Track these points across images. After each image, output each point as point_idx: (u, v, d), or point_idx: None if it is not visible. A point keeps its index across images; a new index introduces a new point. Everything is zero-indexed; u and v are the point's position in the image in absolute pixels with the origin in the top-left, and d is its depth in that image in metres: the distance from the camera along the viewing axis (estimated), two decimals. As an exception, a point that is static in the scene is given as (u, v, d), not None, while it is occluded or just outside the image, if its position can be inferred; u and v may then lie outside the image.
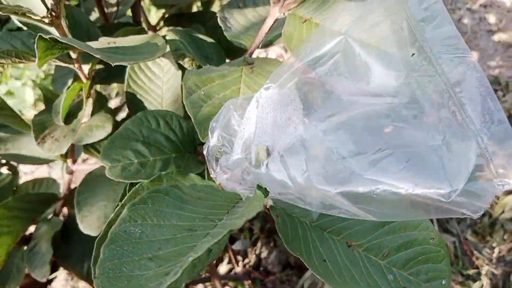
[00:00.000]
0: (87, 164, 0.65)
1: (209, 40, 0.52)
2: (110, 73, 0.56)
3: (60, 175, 0.86)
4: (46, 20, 0.39)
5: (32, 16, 0.39)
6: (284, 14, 0.44)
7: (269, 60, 0.46)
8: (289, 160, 0.32)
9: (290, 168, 0.32)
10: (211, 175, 0.42)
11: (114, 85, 1.53)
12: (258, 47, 0.47)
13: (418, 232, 0.39)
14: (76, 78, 0.62)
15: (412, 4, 0.31)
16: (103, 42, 0.40)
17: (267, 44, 0.49)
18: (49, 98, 0.55)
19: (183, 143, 0.47)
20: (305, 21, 0.42)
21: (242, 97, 0.42)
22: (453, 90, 0.27)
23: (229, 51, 0.56)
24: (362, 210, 0.31)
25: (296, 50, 0.37)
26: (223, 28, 0.50)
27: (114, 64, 0.35)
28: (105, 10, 0.64)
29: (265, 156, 0.34)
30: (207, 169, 0.50)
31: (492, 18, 2.15)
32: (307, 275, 1.16)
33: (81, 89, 0.53)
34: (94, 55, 0.35)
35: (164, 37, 0.47)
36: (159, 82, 0.55)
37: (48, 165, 1.27)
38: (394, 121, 0.30)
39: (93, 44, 0.38)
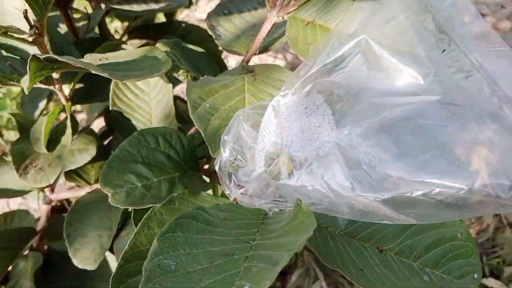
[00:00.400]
0: (65, 192, 0.60)
1: (199, 50, 0.50)
2: (90, 92, 0.51)
3: (34, 205, 0.79)
4: (30, 39, 0.35)
5: (15, 35, 0.34)
6: (283, 18, 0.43)
7: (270, 66, 0.44)
8: (323, 169, 0.30)
9: (325, 177, 0.30)
10: (225, 192, 0.40)
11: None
12: (255, 54, 0.45)
13: (445, 229, 0.38)
14: (50, 99, 0.57)
15: (437, 2, 0.30)
16: (94, 59, 0.37)
17: (262, 50, 0.47)
18: (23, 124, 0.50)
19: (185, 160, 0.44)
20: (308, 23, 0.41)
21: (249, 106, 0.39)
22: (496, 83, 0.27)
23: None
24: (405, 215, 0.30)
25: (310, 54, 0.35)
26: (213, 37, 0.48)
27: (117, 79, 0.32)
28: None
29: (295, 167, 0.32)
30: (214, 185, 0.48)
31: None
32: (293, 279, 1.15)
33: (61, 112, 0.48)
34: (96, 73, 0.31)
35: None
36: (147, 97, 0.51)
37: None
38: (432, 120, 0.29)
39: (85, 61, 0.35)
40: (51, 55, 0.29)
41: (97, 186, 0.56)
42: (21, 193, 0.57)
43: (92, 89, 0.51)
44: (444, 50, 0.29)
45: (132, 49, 0.38)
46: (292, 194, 0.35)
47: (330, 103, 0.32)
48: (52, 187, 0.59)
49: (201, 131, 0.37)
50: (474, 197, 0.26)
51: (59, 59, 0.30)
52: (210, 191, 0.46)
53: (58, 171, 0.43)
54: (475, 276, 0.37)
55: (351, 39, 0.34)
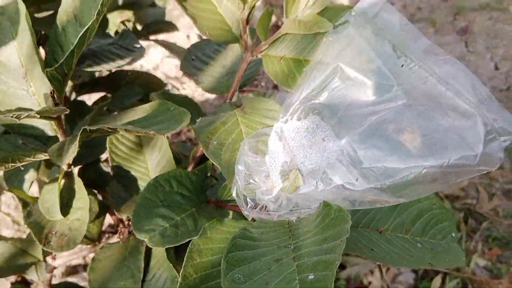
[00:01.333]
0: (68, 255, 0.61)
1: (182, 95, 0.55)
2: (88, 153, 0.54)
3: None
4: (53, 122, 0.38)
5: (36, 117, 0.38)
6: (257, 56, 0.50)
7: (254, 98, 0.51)
8: (335, 173, 0.38)
9: (339, 180, 0.38)
10: (244, 213, 0.45)
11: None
12: (236, 91, 0.52)
13: (422, 203, 0.48)
14: (38, 169, 0.59)
15: (388, 28, 0.40)
16: (111, 121, 0.41)
17: (241, 86, 0.54)
18: (22, 199, 0.51)
19: (196, 195, 0.49)
20: (280, 58, 0.48)
21: (249, 137, 0.46)
22: (448, 82, 0.36)
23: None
24: (399, 196, 0.38)
25: (297, 84, 0.43)
26: (195, 83, 0.54)
27: (158, 133, 0.37)
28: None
29: (311, 177, 0.39)
30: (225, 212, 0.53)
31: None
32: None
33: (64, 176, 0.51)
34: (133, 130, 0.36)
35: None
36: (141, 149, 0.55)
37: None
38: (406, 119, 0.38)
39: (112, 124, 0.39)
40: (94, 127, 0.34)
41: (104, 242, 0.59)
42: (23, 267, 0.58)
43: (87, 150, 0.54)
44: (402, 65, 0.39)
45: (139, 107, 0.43)
46: (306, 202, 0.42)
47: (326, 121, 0.40)
48: (53, 254, 0.60)
49: (216, 165, 0.43)
50: (452, 169, 0.35)
51: (94, 128, 0.34)
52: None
53: (82, 232, 0.46)
54: (453, 235, 0.47)
55: (327, 67, 0.42)
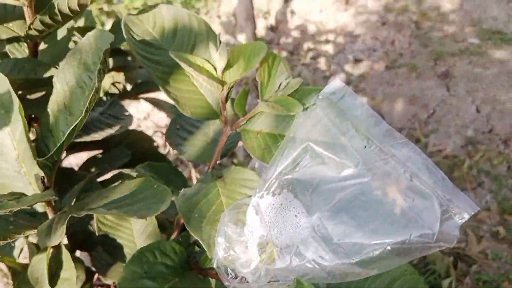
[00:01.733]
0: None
1: (168, 165, 0.58)
2: (76, 223, 0.56)
3: None
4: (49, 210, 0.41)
5: (27, 204, 0.40)
6: (235, 131, 0.54)
7: (234, 169, 0.54)
8: (307, 249, 0.41)
9: (310, 254, 0.40)
10: (225, 283, 0.47)
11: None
12: (217, 161, 0.55)
13: (394, 271, 0.50)
14: (27, 236, 0.61)
15: (351, 112, 0.44)
16: (98, 199, 0.44)
17: (222, 156, 0.57)
18: (14, 268, 0.53)
19: (180, 264, 0.51)
20: (258, 133, 0.52)
21: (229, 208, 0.49)
22: (406, 164, 0.40)
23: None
24: (370, 269, 0.41)
25: (272, 159, 0.47)
26: (179, 153, 0.57)
27: (132, 217, 0.40)
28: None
29: (285, 252, 0.42)
30: (208, 280, 0.55)
31: (323, 66, 2.59)
32: None
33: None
34: (115, 214, 0.39)
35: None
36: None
37: None
38: (370, 196, 0.41)
39: (97, 207, 0.42)
40: (80, 213, 0.36)
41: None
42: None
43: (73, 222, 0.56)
44: (365, 146, 0.42)
45: (127, 183, 0.46)
46: (283, 274, 0.44)
47: (299, 197, 0.43)
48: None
49: (198, 239, 0.45)
50: (413, 245, 0.38)
51: (80, 215, 0.37)
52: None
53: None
54: (427, 298, 0.49)
55: (300, 144, 0.45)
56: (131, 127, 0.87)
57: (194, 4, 2.95)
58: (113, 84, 0.97)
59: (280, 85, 0.49)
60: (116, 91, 1.01)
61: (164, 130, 1.94)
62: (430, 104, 2.23)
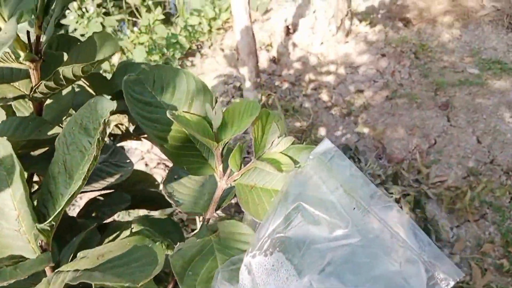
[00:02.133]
0: None
1: (162, 217, 0.60)
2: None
3: None
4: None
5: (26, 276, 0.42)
6: (230, 184, 0.55)
7: (229, 223, 0.55)
8: (298, 311, 0.41)
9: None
10: None
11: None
12: (213, 213, 0.57)
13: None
14: None
15: (340, 172, 0.45)
16: (92, 258, 0.45)
17: (217, 208, 0.59)
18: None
19: (175, 318, 0.52)
20: (251, 188, 0.53)
21: (222, 266, 0.50)
22: (393, 229, 0.41)
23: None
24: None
25: (265, 216, 0.48)
26: (174, 205, 0.59)
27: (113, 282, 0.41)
28: None
29: (276, 314, 0.42)
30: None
31: (324, 97, 2.62)
32: None
33: None
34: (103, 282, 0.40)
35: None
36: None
37: None
38: (361, 258, 0.42)
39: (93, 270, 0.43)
40: (75, 282, 0.38)
41: None
42: None
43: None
44: (354, 208, 0.44)
45: (123, 241, 0.47)
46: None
47: (290, 258, 0.44)
48: None
49: (191, 297, 0.46)
50: (401, 310, 0.39)
51: (75, 283, 0.38)
52: None
53: None
54: None
55: (292, 202, 0.47)
56: (135, 159, 0.89)
57: (199, 37, 3.03)
58: (116, 125, 1.00)
59: (273, 142, 0.50)
60: (119, 132, 1.03)
61: (167, 162, 1.96)
62: (431, 135, 2.24)
